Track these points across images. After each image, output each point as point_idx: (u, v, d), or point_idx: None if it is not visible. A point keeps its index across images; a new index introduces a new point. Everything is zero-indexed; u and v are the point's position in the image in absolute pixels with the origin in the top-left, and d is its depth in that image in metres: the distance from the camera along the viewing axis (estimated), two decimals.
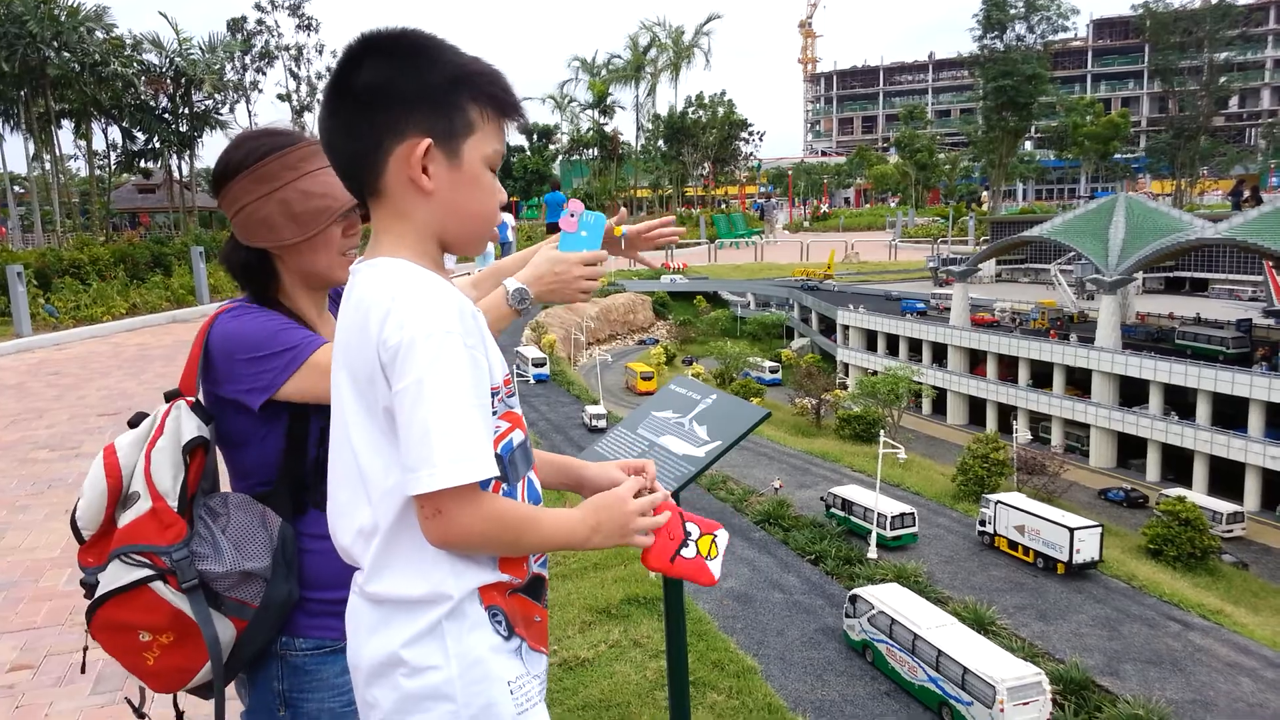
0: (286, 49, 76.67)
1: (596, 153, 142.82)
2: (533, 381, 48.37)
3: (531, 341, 60.43)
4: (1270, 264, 53.98)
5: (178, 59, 50.52)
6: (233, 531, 2.48)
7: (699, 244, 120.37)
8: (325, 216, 2.58)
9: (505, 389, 2.08)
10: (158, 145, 55.13)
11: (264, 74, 68.83)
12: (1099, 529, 26.90)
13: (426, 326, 1.88)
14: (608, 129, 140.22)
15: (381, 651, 2.00)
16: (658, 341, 74.61)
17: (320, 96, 2.01)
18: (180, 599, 2.41)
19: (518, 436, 2.09)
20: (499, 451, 2.02)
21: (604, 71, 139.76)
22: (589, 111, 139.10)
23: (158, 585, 2.40)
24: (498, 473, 1.93)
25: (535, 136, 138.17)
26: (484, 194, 2.07)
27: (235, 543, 2.47)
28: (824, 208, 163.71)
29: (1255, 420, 40.07)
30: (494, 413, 2.02)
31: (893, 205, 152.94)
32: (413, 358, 1.86)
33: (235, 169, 2.62)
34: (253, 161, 2.60)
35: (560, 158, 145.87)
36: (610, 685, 11.08)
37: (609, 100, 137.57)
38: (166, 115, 52.97)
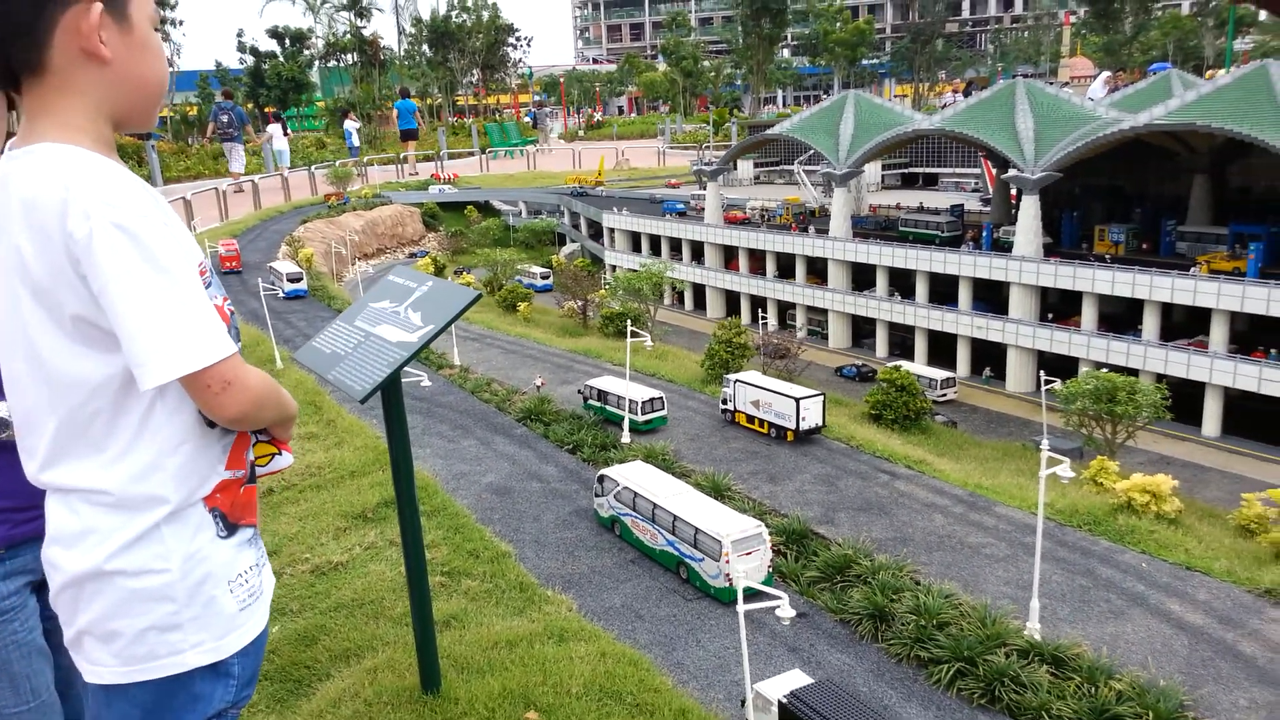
0: None
1: (356, 59, 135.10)
2: (283, 297, 46.16)
3: (288, 256, 57.50)
4: (984, 155, 59.62)
5: None
6: None
7: (471, 154, 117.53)
8: None
9: (203, 277, 2.04)
10: None
11: None
12: (821, 397, 29.39)
13: (124, 213, 1.79)
14: (366, 33, 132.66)
15: (94, 559, 1.99)
16: (427, 254, 72.95)
17: None
18: None
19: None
20: None
21: None
22: (344, 14, 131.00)
23: None
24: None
25: (287, 41, 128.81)
26: (157, 58, 1.95)
27: None
28: (597, 116, 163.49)
29: (964, 295, 44.85)
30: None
31: (664, 113, 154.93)
32: (122, 246, 1.77)
33: None
34: None
35: (317, 64, 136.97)
36: (364, 584, 11.10)
37: (365, 1, 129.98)
38: None
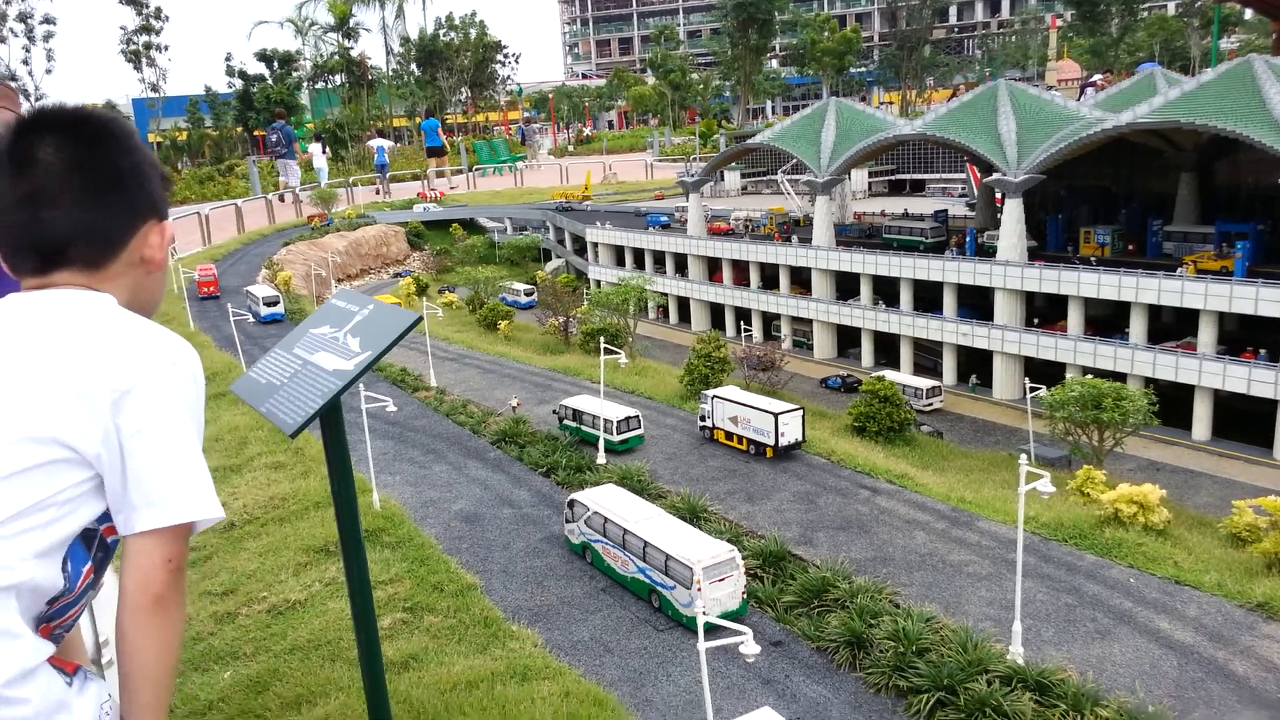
0: None
1: (344, 79, 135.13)
2: (259, 321, 45.44)
3: (266, 280, 56.89)
4: (969, 160, 59.07)
5: None
6: None
7: (460, 171, 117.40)
8: None
9: None
10: None
11: None
12: (800, 411, 28.64)
13: (193, 368, 2.02)
14: (354, 53, 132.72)
15: None
16: (411, 273, 72.42)
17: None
18: None
19: None
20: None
21: None
22: (332, 35, 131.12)
23: None
24: None
25: (276, 64, 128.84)
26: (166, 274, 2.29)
27: None
28: (587, 131, 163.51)
29: (949, 302, 44.10)
30: None
31: (653, 126, 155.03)
32: (181, 393, 1.96)
33: None
34: None
35: (305, 85, 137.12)
36: (322, 624, 10.39)
37: (352, 22, 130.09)
38: None
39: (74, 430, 1.92)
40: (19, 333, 2.02)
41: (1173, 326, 40.56)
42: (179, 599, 2.02)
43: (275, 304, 47.55)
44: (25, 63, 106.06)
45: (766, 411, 28.23)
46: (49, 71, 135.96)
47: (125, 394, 1.92)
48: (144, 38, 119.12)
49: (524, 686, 8.81)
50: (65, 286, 2.07)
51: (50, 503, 1.93)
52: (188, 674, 9.20)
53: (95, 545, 2.05)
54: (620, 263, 64.09)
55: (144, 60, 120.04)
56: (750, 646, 14.30)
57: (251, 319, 44.88)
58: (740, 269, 55.06)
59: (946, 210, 57.01)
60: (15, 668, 1.85)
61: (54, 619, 2.04)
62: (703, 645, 14.23)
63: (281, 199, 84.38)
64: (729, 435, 29.68)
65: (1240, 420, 36.48)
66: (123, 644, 2.06)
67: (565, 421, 31.66)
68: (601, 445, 29.01)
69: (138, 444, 1.93)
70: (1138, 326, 38.62)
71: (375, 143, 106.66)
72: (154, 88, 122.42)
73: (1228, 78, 39.91)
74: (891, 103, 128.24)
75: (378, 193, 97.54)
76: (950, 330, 43.50)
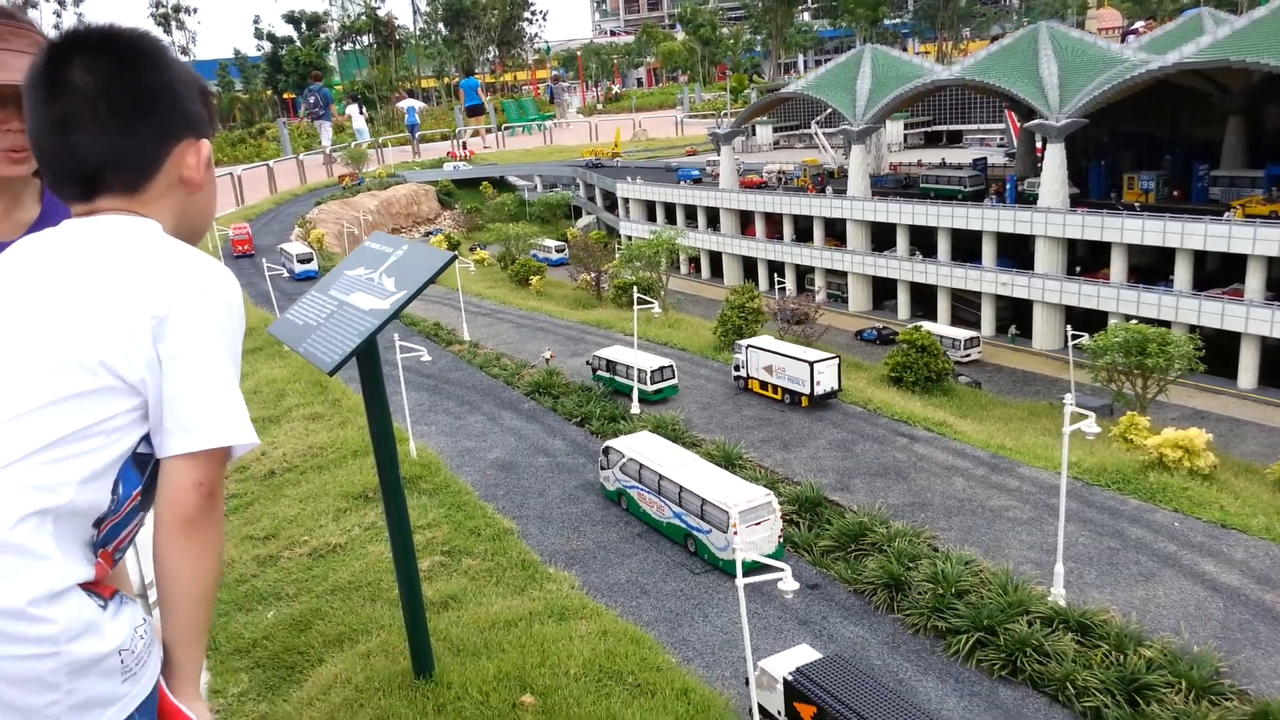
0: None
1: (372, 40, 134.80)
2: (293, 278, 45.80)
3: (299, 238, 57.24)
4: (1008, 108, 57.71)
5: None
6: None
7: (489, 130, 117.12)
8: None
9: None
10: None
11: None
12: (836, 360, 28.33)
13: (229, 291, 2.02)
14: (381, 13, 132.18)
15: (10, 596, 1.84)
16: (441, 231, 72.57)
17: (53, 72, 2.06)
18: None
19: None
20: None
21: None
22: None
23: None
24: None
25: (304, 25, 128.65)
26: (216, 191, 2.26)
27: None
28: (616, 89, 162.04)
29: (988, 251, 43.31)
30: None
31: (682, 83, 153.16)
32: (216, 317, 1.96)
33: None
34: None
35: (333, 47, 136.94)
36: (362, 566, 10.53)
37: None
38: None
39: (120, 357, 1.90)
40: (65, 260, 2.00)
41: (1218, 274, 39.58)
42: (211, 524, 1.99)
43: (309, 261, 47.88)
44: (57, 27, 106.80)
45: (802, 360, 27.97)
46: None
47: (163, 320, 1.91)
48: (173, 0, 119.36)
49: (562, 625, 8.85)
50: (109, 212, 2.06)
51: (98, 430, 1.90)
52: (231, 613, 9.27)
53: (149, 470, 2.02)
54: (651, 218, 63.66)
55: (173, 23, 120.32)
56: (789, 583, 14.26)
57: (286, 275, 45.25)
58: (773, 222, 54.43)
59: (986, 158, 55.87)
60: (42, 588, 1.80)
61: (108, 543, 1.99)
62: (741, 581, 14.21)
63: (332, 158, 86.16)
64: (764, 385, 29.48)
65: None
66: (158, 568, 2.06)
67: (599, 372, 31.62)
68: (635, 395, 28.95)
69: (172, 368, 1.92)
70: (1183, 273, 37.73)
71: (405, 103, 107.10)
72: (183, 51, 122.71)
73: None
74: (927, 53, 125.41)
75: (415, 153, 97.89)
76: (989, 280, 42.78)
